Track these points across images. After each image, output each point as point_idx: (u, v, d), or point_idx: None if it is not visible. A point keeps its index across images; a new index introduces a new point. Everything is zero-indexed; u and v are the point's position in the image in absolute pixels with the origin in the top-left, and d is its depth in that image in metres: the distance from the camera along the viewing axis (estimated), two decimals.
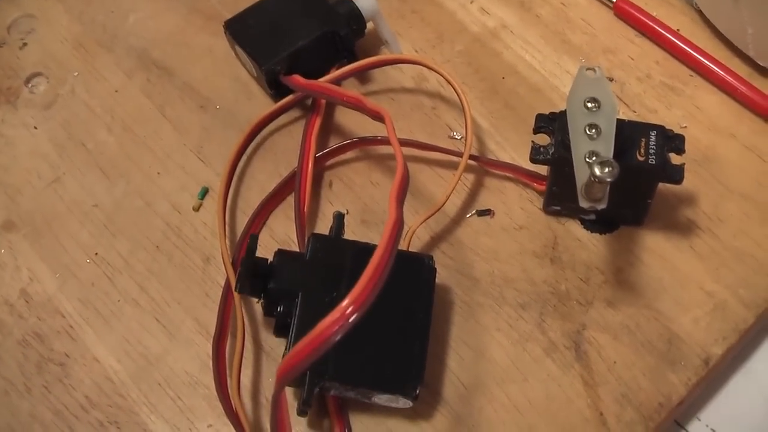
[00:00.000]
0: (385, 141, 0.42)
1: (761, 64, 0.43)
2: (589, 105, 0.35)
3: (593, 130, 0.35)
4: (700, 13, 0.46)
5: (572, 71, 0.44)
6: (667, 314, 0.38)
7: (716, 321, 0.37)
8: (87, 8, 0.50)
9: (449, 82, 0.41)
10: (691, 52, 0.44)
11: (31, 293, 0.41)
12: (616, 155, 0.35)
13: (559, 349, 0.37)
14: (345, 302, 0.28)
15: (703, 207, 0.40)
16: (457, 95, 0.41)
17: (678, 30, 0.45)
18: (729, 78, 0.43)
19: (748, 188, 0.41)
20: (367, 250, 0.33)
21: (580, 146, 0.34)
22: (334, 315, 0.28)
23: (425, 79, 0.45)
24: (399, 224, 0.30)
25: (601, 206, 0.33)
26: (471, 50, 0.46)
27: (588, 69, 0.36)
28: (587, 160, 0.34)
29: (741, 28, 0.43)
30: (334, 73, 0.44)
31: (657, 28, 0.45)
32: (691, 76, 0.44)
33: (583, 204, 0.34)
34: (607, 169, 0.32)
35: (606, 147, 0.34)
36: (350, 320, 0.28)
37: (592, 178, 0.32)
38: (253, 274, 0.36)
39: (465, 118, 0.40)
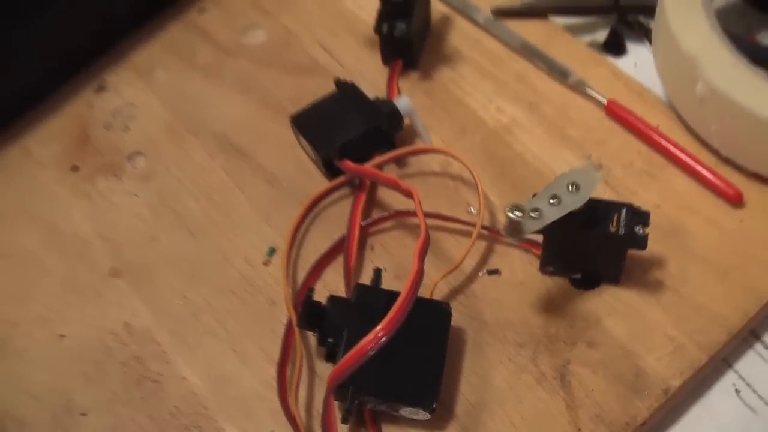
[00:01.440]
0: (415, 213, 0.53)
1: (723, 154, 0.54)
2: (570, 188, 0.46)
3: (556, 200, 0.45)
4: (676, 111, 0.56)
5: (569, 159, 0.55)
6: (636, 353, 0.48)
7: (675, 360, 0.48)
8: (178, 100, 0.63)
9: (468, 168, 0.53)
10: (667, 145, 0.55)
11: (133, 325, 0.52)
12: (594, 226, 0.46)
13: (548, 379, 0.48)
14: (378, 328, 0.40)
15: (670, 269, 0.51)
16: (473, 179, 0.53)
17: (658, 126, 0.56)
18: (697, 166, 0.53)
19: (708, 255, 0.51)
20: (398, 296, 0.44)
21: (535, 200, 0.45)
22: (370, 336, 0.40)
23: (450, 165, 0.56)
24: (420, 273, 0.42)
25: (514, 240, 0.44)
26: (487, 141, 0.57)
27: (594, 167, 0.46)
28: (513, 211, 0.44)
29: (706, 125, 0.54)
30: (377, 159, 0.55)
31: (640, 125, 0.56)
32: (667, 164, 0.55)
33: (502, 232, 0.44)
34: (517, 213, 0.43)
35: (548, 211, 0.44)
36: (381, 341, 0.40)
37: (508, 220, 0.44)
38: (310, 314, 0.48)
39: (479, 196, 0.52)
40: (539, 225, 0.44)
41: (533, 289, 0.51)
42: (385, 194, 0.56)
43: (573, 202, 0.45)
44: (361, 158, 0.55)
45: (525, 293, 0.51)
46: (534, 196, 0.48)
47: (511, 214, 0.43)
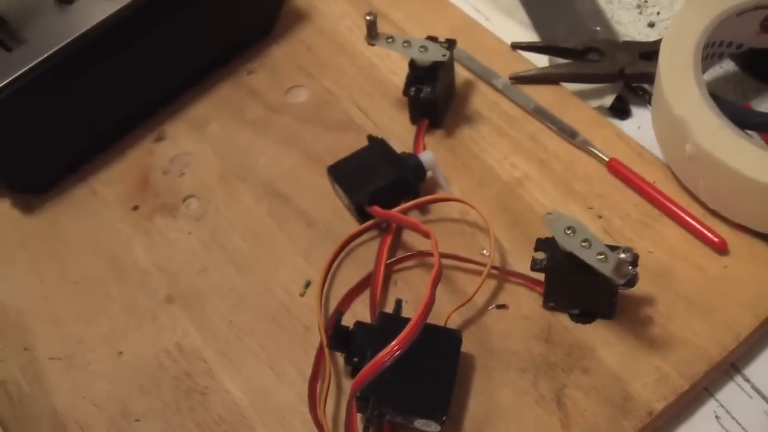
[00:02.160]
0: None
1: (711, 207, 0.61)
2: (568, 232, 0.53)
3: (586, 243, 0.52)
4: (670, 169, 0.64)
5: (573, 210, 0.62)
6: (625, 380, 0.55)
7: (660, 387, 0.54)
8: (229, 150, 0.71)
9: (482, 216, 0.61)
10: (661, 198, 0.62)
11: (184, 345, 0.60)
12: (588, 268, 0.54)
13: (546, 401, 0.55)
14: (394, 342, 0.47)
15: (658, 308, 0.57)
16: (487, 225, 0.60)
17: (654, 182, 0.63)
18: (687, 217, 0.60)
19: (694, 296, 0.57)
20: None
21: (587, 255, 0.51)
22: (387, 350, 0.47)
23: (467, 213, 0.64)
24: (432, 299, 0.50)
25: (633, 273, 0.51)
26: (502, 193, 0.65)
27: (547, 214, 0.53)
28: (600, 258, 0.51)
29: (695, 181, 0.61)
30: (403, 206, 0.62)
31: (637, 181, 0.63)
32: (660, 215, 0.61)
33: (620, 281, 0.51)
34: (624, 254, 0.49)
35: (601, 246, 0.51)
36: (396, 354, 0.47)
37: (622, 262, 0.50)
38: (338, 335, 0.55)
39: (491, 241, 0.59)
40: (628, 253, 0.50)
41: (536, 322, 0.58)
42: (409, 236, 0.63)
43: (587, 235, 0.52)
44: (389, 205, 0.62)
45: (529, 326, 0.58)
46: (540, 240, 0.56)
47: (622, 255, 0.49)
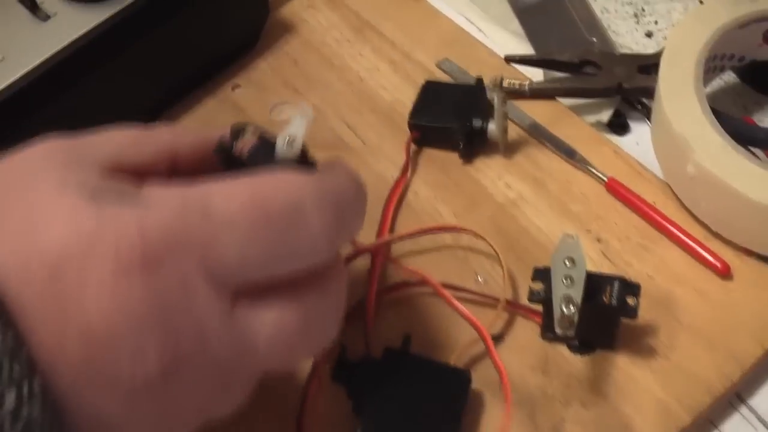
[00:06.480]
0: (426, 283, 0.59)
1: (713, 229, 0.60)
2: (567, 263, 0.52)
3: (568, 280, 0.52)
4: (671, 189, 0.63)
5: (570, 232, 0.62)
6: (625, 413, 0.53)
7: (662, 419, 0.53)
8: None
9: (493, 248, 0.60)
10: (661, 220, 0.60)
11: None
12: (589, 298, 0.52)
13: None
14: None
15: (660, 337, 0.56)
16: (497, 256, 0.59)
17: (654, 203, 0.62)
18: (688, 240, 0.59)
19: (697, 323, 0.56)
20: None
21: (558, 291, 0.51)
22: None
23: (460, 237, 0.62)
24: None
25: (570, 333, 0.50)
26: (496, 215, 0.63)
27: (568, 236, 0.54)
28: (563, 301, 0.51)
29: (697, 202, 0.60)
30: (399, 234, 0.62)
31: (637, 201, 0.62)
32: (661, 238, 0.60)
33: (558, 331, 0.51)
34: (572, 308, 0.50)
35: (576, 293, 0.51)
36: None
37: (561, 314, 0.50)
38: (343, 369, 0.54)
39: (504, 274, 0.58)
40: (577, 311, 0.50)
41: (534, 353, 0.57)
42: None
43: (578, 276, 0.51)
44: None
45: (526, 357, 0.57)
46: (537, 270, 0.55)
47: (565, 309, 0.49)
